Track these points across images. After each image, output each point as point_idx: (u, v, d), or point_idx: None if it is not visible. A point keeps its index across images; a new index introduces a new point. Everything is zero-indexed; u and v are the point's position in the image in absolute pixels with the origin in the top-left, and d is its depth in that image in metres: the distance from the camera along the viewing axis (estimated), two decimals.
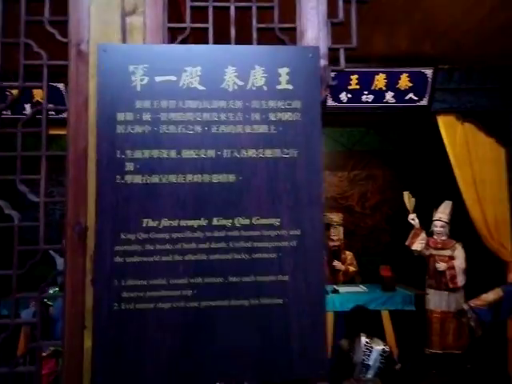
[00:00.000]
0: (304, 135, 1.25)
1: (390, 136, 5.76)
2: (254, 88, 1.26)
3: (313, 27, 1.28)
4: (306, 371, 1.20)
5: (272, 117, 1.26)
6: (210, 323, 1.20)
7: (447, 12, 2.97)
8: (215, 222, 1.22)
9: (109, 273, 1.18)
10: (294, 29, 1.29)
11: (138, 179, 1.21)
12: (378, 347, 3.05)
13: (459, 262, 4.30)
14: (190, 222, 1.21)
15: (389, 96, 3.68)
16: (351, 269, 4.84)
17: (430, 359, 4.43)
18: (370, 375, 3.02)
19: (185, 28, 1.27)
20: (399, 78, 3.62)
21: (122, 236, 1.19)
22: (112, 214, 1.19)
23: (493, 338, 4.14)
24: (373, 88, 3.64)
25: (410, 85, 3.65)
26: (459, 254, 4.32)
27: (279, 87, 1.26)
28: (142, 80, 1.22)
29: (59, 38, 1.22)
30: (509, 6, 2.86)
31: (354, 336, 3.14)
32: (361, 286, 4.61)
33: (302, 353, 1.20)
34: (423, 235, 4.45)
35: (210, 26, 1.27)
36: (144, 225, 1.20)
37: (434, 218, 4.51)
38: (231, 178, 1.24)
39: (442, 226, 4.44)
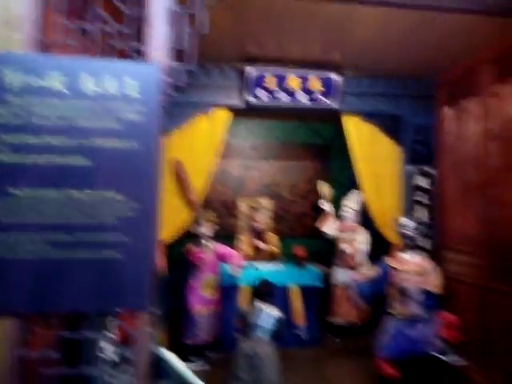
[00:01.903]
0: (145, 132, 1.66)
1: (320, 131, 6.27)
2: (108, 94, 1.65)
3: (160, 50, 1.68)
4: (135, 303, 1.64)
5: (122, 117, 1.66)
6: (64, 270, 1.61)
7: (357, 26, 3.40)
8: (72, 194, 1.62)
9: None
10: (147, 51, 1.69)
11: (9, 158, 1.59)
12: (272, 313, 3.55)
13: (361, 243, 4.94)
14: (51, 193, 1.61)
15: (301, 97, 4.12)
16: (274, 249, 5.34)
17: (335, 329, 5.05)
18: (260, 334, 3.50)
19: (56, 42, 1.65)
20: (310, 81, 4.07)
21: None
22: None
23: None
24: (286, 88, 4.07)
25: (321, 88, 4.11)
26: (361, 236, 4.95)
27: (129, 94, 1.66)
28: (17, 82, 1.59)
29: None
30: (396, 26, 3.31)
31: (253, 302, 3.64)
32: (280, 264, 5.13)
33: (132, 290, 1.63)
34: (332, 219, 5.06)
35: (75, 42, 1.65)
36: (11, 192, 1.58)
37: (343, 205, 5.14)
38: (87, 161, 1.64)
39: (349, 213, 5.06)
